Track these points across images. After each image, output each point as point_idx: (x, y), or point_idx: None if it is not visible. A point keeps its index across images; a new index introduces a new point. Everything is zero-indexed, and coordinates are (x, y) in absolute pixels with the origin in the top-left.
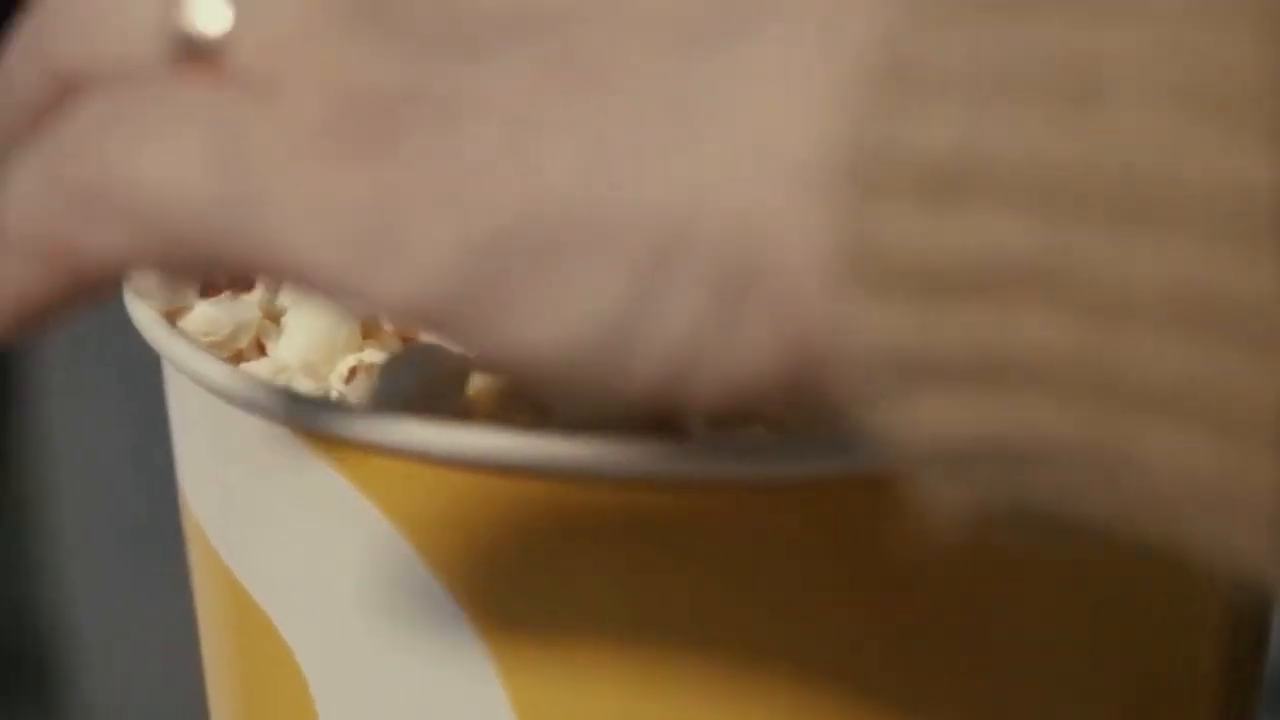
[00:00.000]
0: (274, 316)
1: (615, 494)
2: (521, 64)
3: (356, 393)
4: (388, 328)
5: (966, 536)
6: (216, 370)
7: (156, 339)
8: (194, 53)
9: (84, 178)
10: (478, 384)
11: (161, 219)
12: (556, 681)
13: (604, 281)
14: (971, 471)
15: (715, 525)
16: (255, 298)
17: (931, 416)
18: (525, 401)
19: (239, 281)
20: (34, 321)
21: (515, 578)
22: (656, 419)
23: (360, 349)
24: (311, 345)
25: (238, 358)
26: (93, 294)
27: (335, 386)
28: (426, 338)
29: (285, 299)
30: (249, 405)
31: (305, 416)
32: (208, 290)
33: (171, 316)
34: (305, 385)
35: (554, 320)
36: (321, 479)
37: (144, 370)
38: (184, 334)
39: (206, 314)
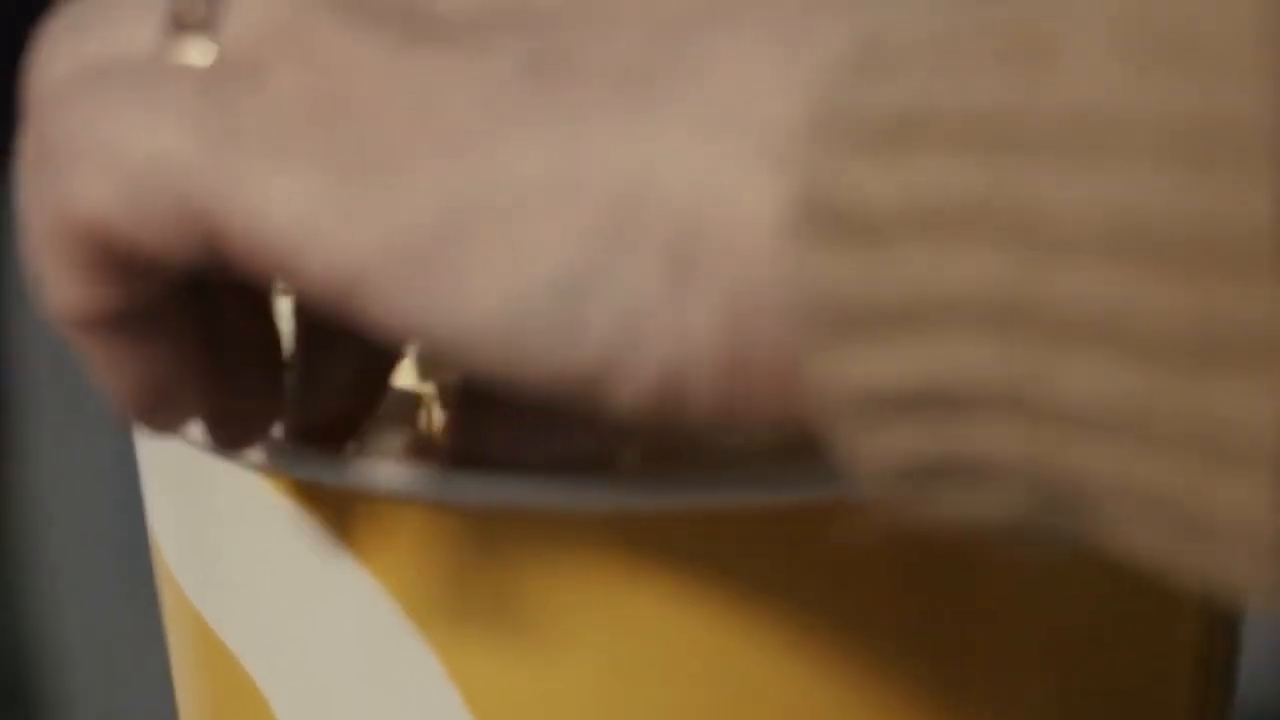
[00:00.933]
0: None
1: (583, 533)
2: (497, 51)
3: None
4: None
5: (896, 509)
6: None
7: None
8: (185, 33)
9: (75, 141)
10: (437, 419)
11: (147, 174)
12: None
13: (557, 246)
14: (902, 426)
15: (690, 558)
16: None
17: (865, 366)
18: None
19: None
20: (98, 319)
21: (485, 617)
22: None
23: None
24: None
25: None
26: (124, 281)
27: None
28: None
29: None
30: (215, 449)
31: (271, 459)
32: None
33: None
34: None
35: (505, 284)
36: (288, 521)
37: None
38: None
39: None
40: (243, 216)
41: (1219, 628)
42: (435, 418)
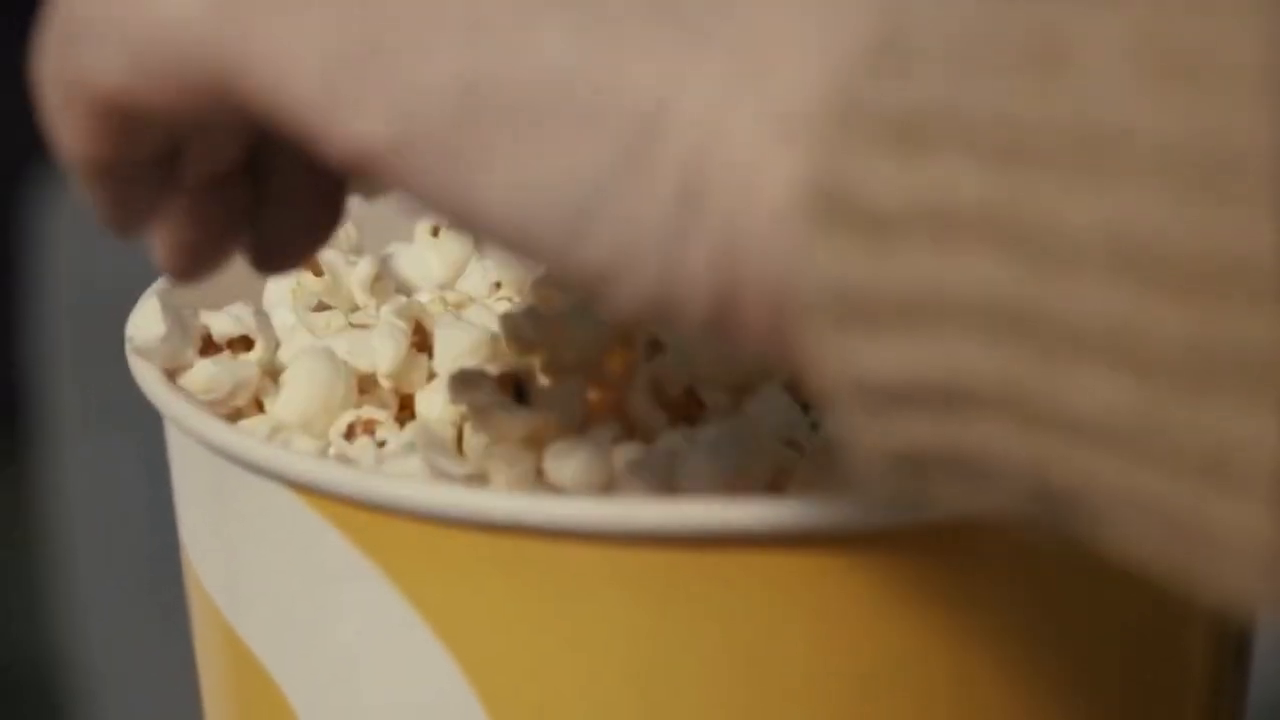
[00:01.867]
0: (273, 375)
1: (615, 554)
2: None
3: (356, 449)
4: (384, 383)
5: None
6: (215, 428)
7: (157, 397)
8: None
9: (92, 13)
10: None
11: (159, 40)
12: None
13: (578, 148)
14: (901, 417)
15: (719, 584)
16: (254, 356)
17: (866, 356)
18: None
19: (238, 341)
20: (111, 168)
21: (511, 635)
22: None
23: (358, 405)
24: (309, 403)
25: (236, 415)
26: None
27: (335, 442)
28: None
29: (284, 357)
30: (246, 462)
31: (301, 473)
32: (207, 349)
33: (172, 374)
34: (302, 442)
35: (520, 176)
36: (317, 534)
37: (154, 418)
38: (184, 392)
39: (206, 371)
40: (258, 86)
41: (1229, 648)
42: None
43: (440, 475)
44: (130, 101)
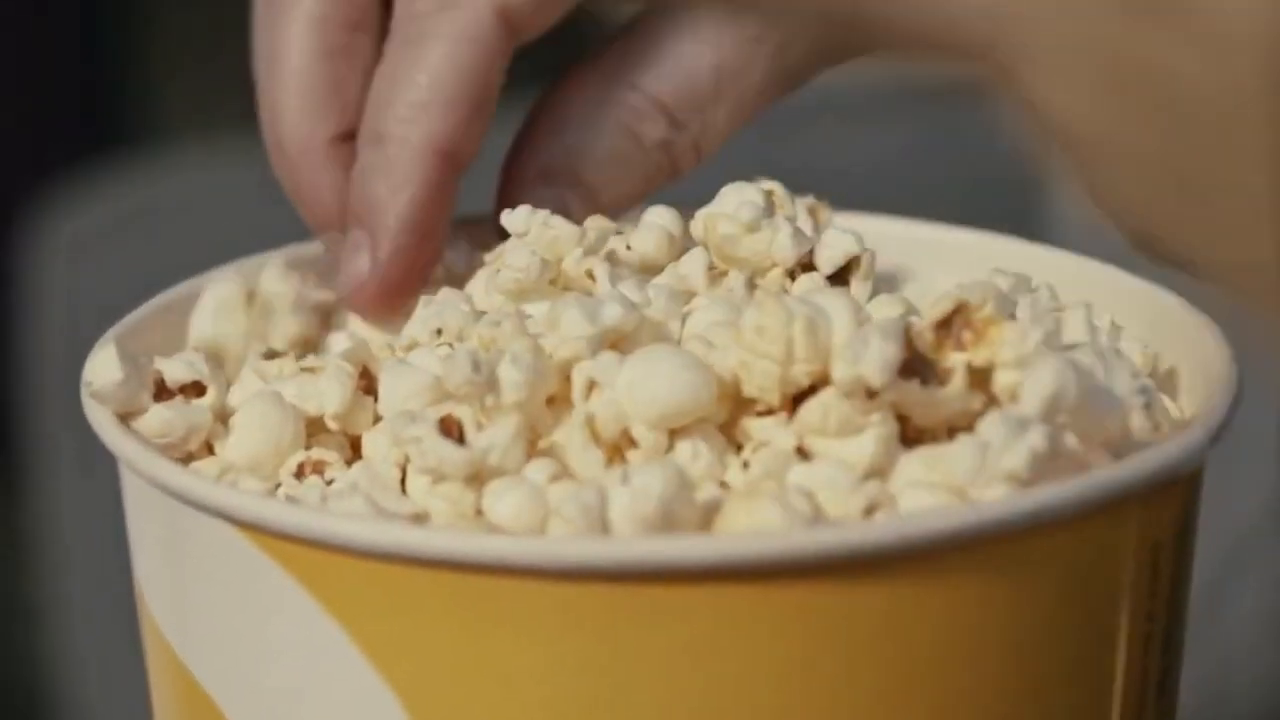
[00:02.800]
0: (223, 419)
1: (549, 589)
2: None
3: (303, 488)
4: (331, 424)
5: None
6: (165, 469)
7: (110, 440)
8: None
9: None
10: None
11: None
12: None
13: None
14: None
15: (649, 618)
16: (206, 402)
17: None
18: None
19: (190, 387)
20: None
21: (450, 669)
22: None
23: (307, 447)
24: (257, 445)
25: (189, 459)
26: None
27: (285, 482)
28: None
29: (235, 402)
30: (193, 501)
31: (245, 511)
32: (161, 394)
33: (127, 418)
34: (251, 483)
35: None
36: (263, 572)
37: None
38: (139, 435)
39: (160, 416)
40: None
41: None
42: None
43: (383, 514)
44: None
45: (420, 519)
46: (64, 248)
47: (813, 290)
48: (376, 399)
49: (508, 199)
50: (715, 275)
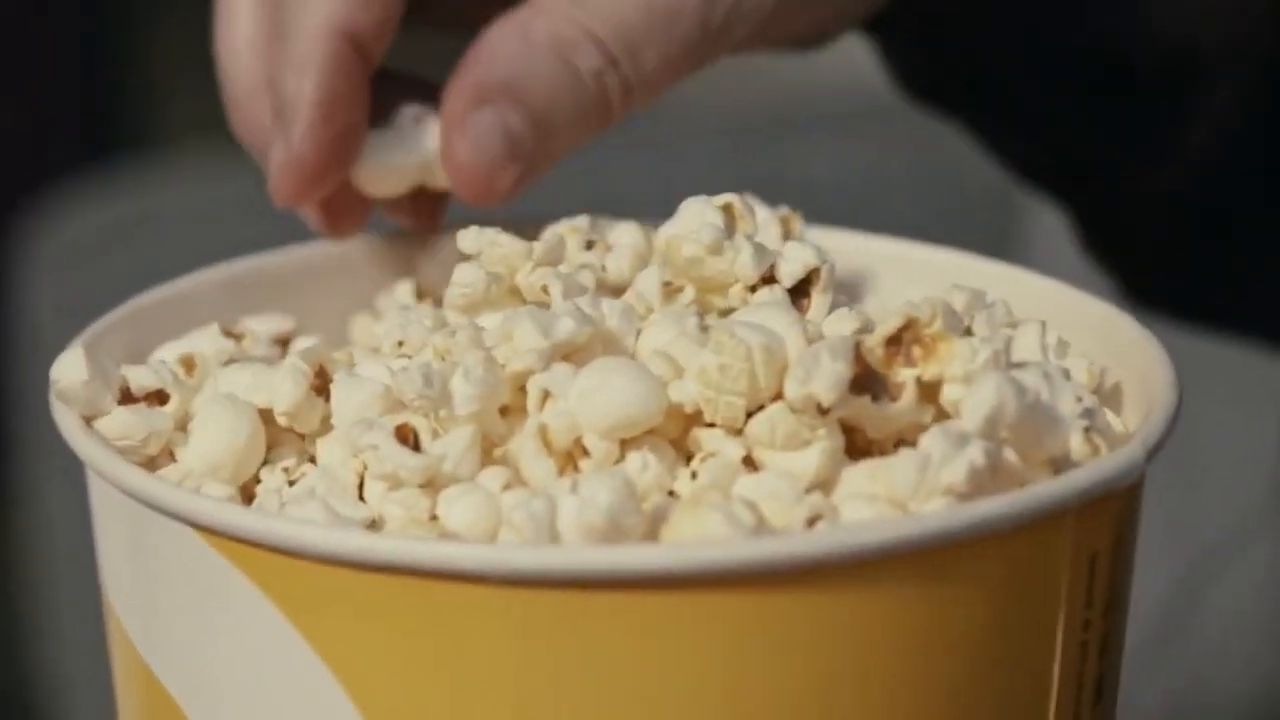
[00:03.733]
0: (183, 426)
1: (500, 594)
2: None
3: (261, 492)
4: (280, 420)
5: None
6: (128, 472)
7: (76, 443)
8: None
9: None
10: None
11: None
12: None
13: None
14: None
15: (597, 624)
16: (169, 409)
17: None
18: None
19: (154, 395)
20: None
21: (404, 673)
22: None
23: (264, 455)
24: (214, 448)
25: (151, 464)
26: None
27: (279, 491)
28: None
29: (195, 408)
30: (156, 505)
31: (206, 516)
32: (125, 399)
33: (90, 420)
34: (214, 488)
35: None
36: (222, 575)
37: None
38: (101, 437)
39: (122, 419)
40: None
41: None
42: None
43: (338, 519)
44: None
45: (376, 524)
46: (62, 254)
47: (761, 305)
48: (328, 399)
49: (449, 130)
50: (670, 291)
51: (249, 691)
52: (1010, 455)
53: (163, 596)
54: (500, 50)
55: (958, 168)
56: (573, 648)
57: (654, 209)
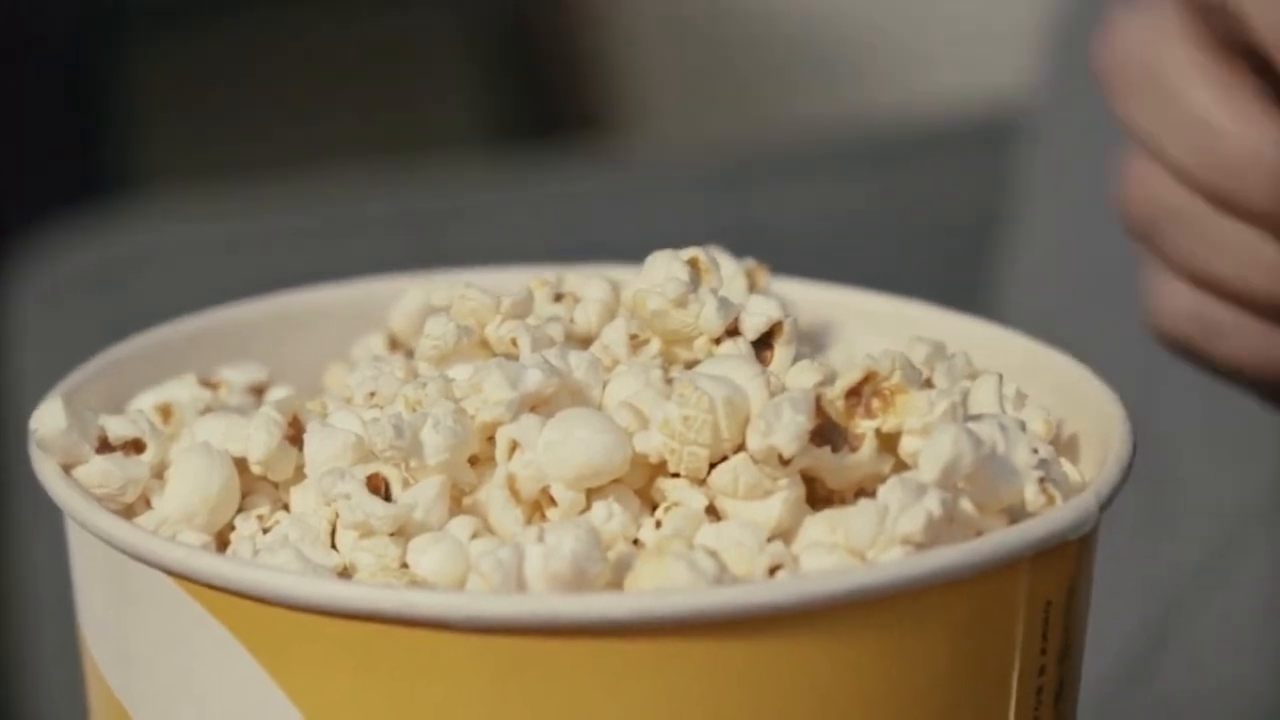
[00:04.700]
0: (160, 474)
1: (467, 642)
2: None
3: (240, 542)
4: (254, 469)
5: None
6: (105, 520)
7: (55, 491)
8: None
9: None
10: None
11: None
12: None
13: None
14: None
15: (562, 671)
16: (146, 458)
17: None
18: None
19: (131, 444)
20: None
21: (375, 718)
22: None
23: (239, 503)
24: (189, 497)
25: (128, 512)
26: None
27: (252, 538)
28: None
29: (171, 457)
30: (132, 552)
31: (180, 563)
32: (103, 448)
33: (69, 469)
34: (189, 536)
35: None
36: (197, 621)
37: None
38: (79, 486)
39: (100, 467)
40: None
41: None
42: None
43: (310, 567)
44: None
45: (347, 572)
46: (46, 296)
47: (724, 358)
48: (301, 448)
49: None
50: (636, 344)
51: None
52: (967, 505)
53: (139, 642)
54: None
55: (930, 213)
56: (540, 694)
57: (626, 255)
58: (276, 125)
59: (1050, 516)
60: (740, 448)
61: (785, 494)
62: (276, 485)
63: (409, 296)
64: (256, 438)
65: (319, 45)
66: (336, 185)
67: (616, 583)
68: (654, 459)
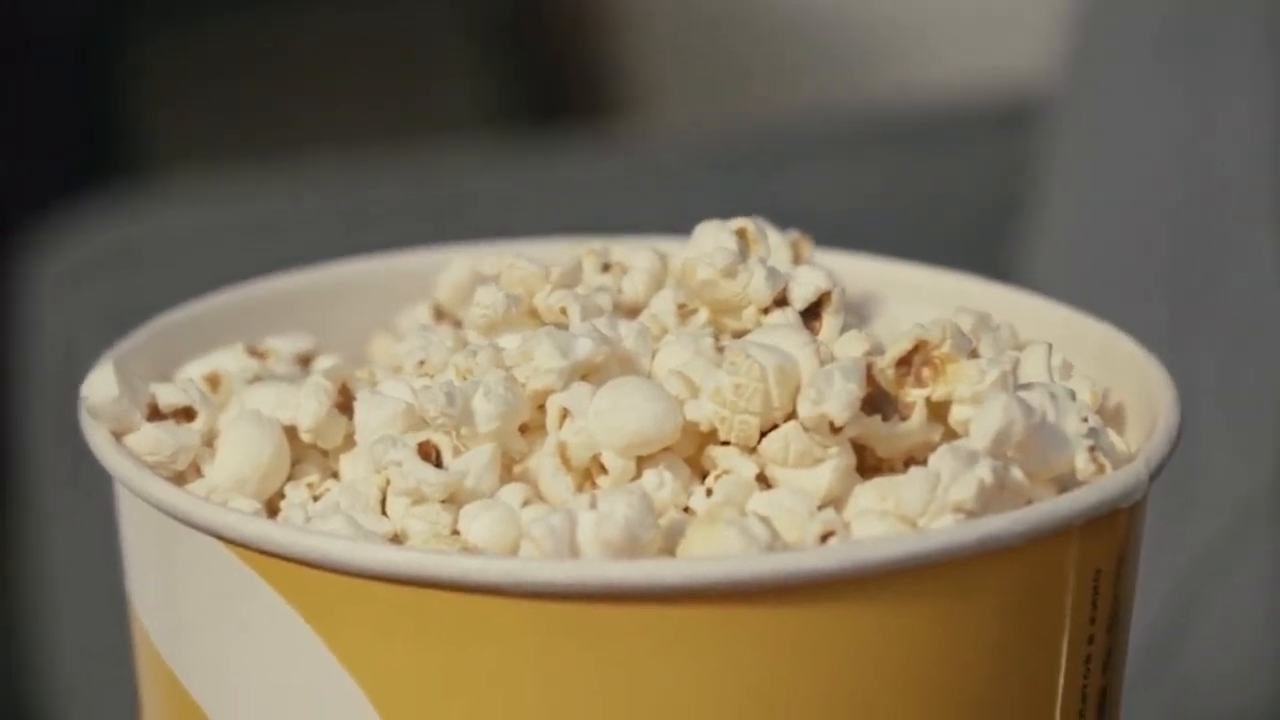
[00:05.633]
0: (209, 442)
1: (516, 607)
2: None
3: (286, 507)
4: (304, 437)
5: None
6: (158, 486)
7: (107, 458)
8: None
9: None
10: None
11: None
12: None
13: None
14: None
15: (613, 637)
16: (196, 426)
17: None
18: None
19: (181, 412)
20: None
21: (427, 685)
22: None
23: (289, 471)
24: (240, 464)
25: (179, 479)
26: None
27: (303, 505)
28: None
29: (220, 426)
30: (185, 518)
31: (234, 529)
32: (153, 416)
33: (119, 436)
34: (240, 502)
35: None
36: (250, 587)
37: None
38: (130, 453)
39: (151, 435)
40: None
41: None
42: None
43: (363, 533)
44: None
45: (399, 539)
46: (58, 280)
47: (774, 327)
48: (351, 417)
49: None
50: (685, 313)
51: (274, 700)
52: (1017, 474)
53: (190, 608)
54: None
55: (948, 196)
56: (591, 660)
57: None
58: (286, 111)
59: (1101, 485)
60: (791, 416)
61: (835, 462)
62: (326, 453)
63: (455, 267)
64: (306, 405)
65: (329, 30)
66: (347, 170)
67: (668, 550)
68: (704, 427)
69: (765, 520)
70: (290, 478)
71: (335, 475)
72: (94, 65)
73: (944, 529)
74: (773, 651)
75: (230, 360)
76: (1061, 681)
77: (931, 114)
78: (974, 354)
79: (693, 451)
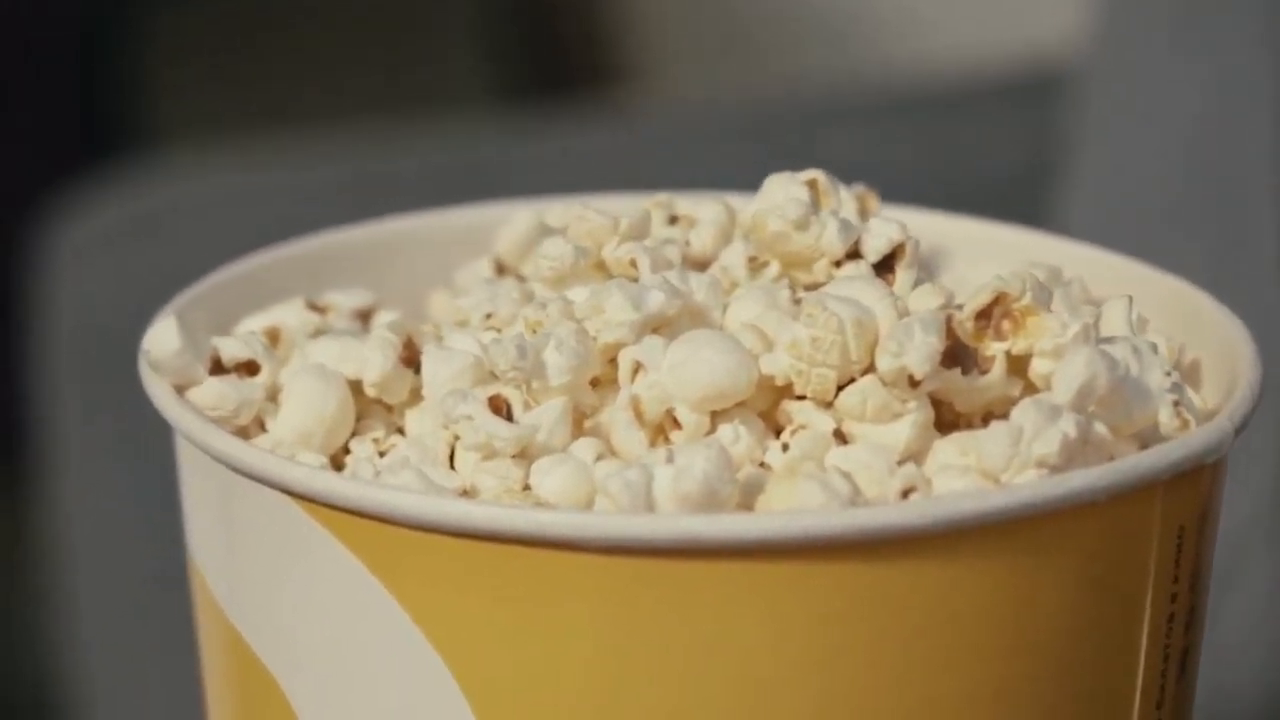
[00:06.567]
0: (272, 397)
1: (592, 562)
2: None
3: (353, 461)
4: (369, 391)
5: None
6: (222, 440)
7: (169, 411)
8: None
9: None
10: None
11: None
12: None
13: None
14: None
15: (688, 592)
16: (259, 380)
17: None
18: None
19: (244, 366)
20: None
21: (498, 639)
22: None
23: (353, 426)
24: (304, 418)
25: (242, 433)
26: None
27: (371, 460)
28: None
29: (284, 379)
30: (250, 473)
31: (301, 483)
32: (215, 370)
33: (181, 390)
34: (305, 456)
35: None
36: (318, 542)
37: (155, 439)
38: (193, 407)
39: (214, 389)
40: None
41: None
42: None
43: (433, 487)
44: None
45: (469, 494)
46: (70, 253)
47: (850, 279)
48: (418, 371)
49: None
50: (756, 266)
51: (342, 655)
52: (1100, 428)
53: (254, 563)
54: None
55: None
56: (669, 615)
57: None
58: (294, 82)
59: (1185, 440)
60: (868, 370)
61: (914, 416)
62: (390, 408)
63: (517, 221)
64: (372, 359)
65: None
66: (356, 141)
67: (745, 505)
68: (780, 381)
69: (846, 475)
70: (354, 433)
71: (400, 431)
72: (104, 38)
73: (1027, 484)
74: (851, 607)
75: (290, 315)
76: (1145, 641)
77: (957, 84)
78: (1049, 308)
79: (767, 406)
